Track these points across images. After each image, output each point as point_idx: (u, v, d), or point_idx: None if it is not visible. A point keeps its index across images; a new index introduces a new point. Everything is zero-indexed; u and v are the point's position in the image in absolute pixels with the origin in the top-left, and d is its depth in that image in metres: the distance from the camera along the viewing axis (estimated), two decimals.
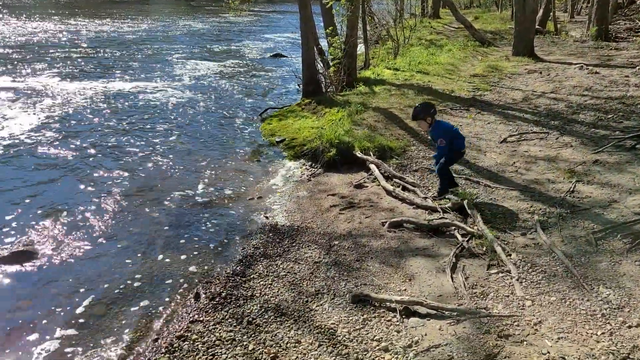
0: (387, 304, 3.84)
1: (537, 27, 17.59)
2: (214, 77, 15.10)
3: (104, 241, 5.25)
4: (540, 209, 5.27)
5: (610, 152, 6.69)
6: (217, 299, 4.12)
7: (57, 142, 8.34)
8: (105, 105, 11.04)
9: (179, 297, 4.27)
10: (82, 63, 16.12)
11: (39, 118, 9.68)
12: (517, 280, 4.03)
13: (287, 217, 5.72)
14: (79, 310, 4.13)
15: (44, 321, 4.00)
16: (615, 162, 6.34)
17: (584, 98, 9.58)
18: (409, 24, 20.03)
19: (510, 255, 4.42)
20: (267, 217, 5.74)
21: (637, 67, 11.58)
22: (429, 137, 5.76)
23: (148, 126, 9.57)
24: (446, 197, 5.63)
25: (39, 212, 5.84)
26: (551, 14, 20.43)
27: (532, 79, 11.72)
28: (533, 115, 8.79)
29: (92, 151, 7.99)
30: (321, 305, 3.94)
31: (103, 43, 20.93)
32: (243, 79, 15.06)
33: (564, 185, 5.79)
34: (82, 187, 6.58)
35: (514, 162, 6.68)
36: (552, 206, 5.30)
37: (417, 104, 5.63)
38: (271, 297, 4.10)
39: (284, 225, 5.48)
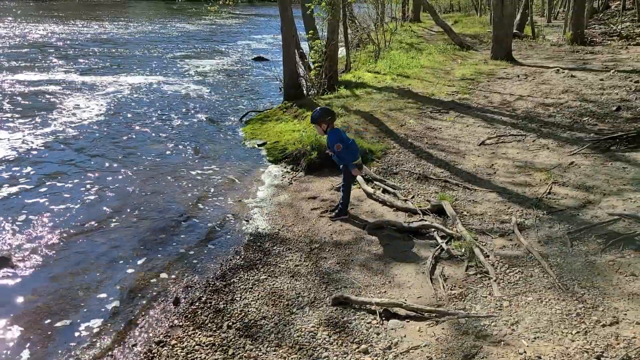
0: (367, 306, 3.86)
1: (514, 31, 17.89)
2: (194, 80, 15.01)
3: (81, 247, 5.16)
4: (518, 211, 5.35)
5: (586, 154, 6.83)
6: (197, 304, 4.09)
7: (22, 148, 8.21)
8: (86, 106, 10.90)
9: (158, 303, 4.22)
10: (52, 65, 15.88)
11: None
12: (495, 281, 4.09)
13: (268, 220, 5.71)
14: (55, 316, 4.06)
15: (18, 328, 3.92)
16: (590, 164, 6.47)
17: (560, 101, 9.76)
18: (389, 27, 20.17)
19: (488, 256, 4.48)
20: (247, 221, 5.72)
21: (612, 71, 11.84)
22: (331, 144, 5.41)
23: (125, 130, 9.47)
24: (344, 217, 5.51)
25: (11, 215, 5.73)
26: (528, 18, 20.78)
27: (510, 83, 11.91)
28: (511, 118, 8.93)
29: (73, 156, 7.88)
30: (301, 308, 3.94)
31: (87, 45, 20.65)
32: (224, 82, 15.00)
33: (541, 187, 5.89)
34: (57, 193, 6.48)
35: (493, 165, 6.77)
36: (529, 208, 5.39)
37: (317, 108, 5.50)
38: (251, 301, 4.09)
39: (265, 229, 5.47)
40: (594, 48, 16.49)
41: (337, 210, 5.56)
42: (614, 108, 8.80)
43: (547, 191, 5.75)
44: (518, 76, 12.51)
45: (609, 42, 17.49)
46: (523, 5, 20.41)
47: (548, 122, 8.49)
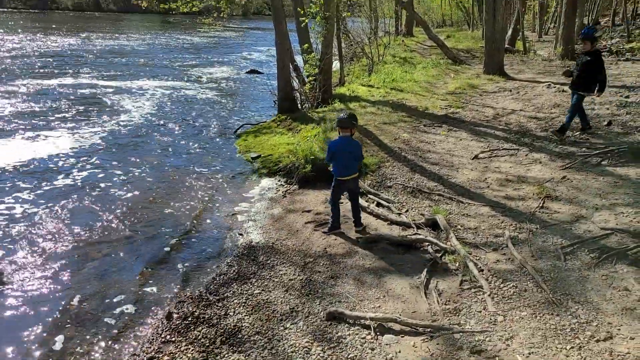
0: (362, 321, 3.84)
1: (506, 46, 18.11)
2: (189, 93, 15.03)
3: (74, 261, 5.12)
4: (511, 225, 5.37)
5: (578, 168, 6.88)
6: (190, 319, 4.05)
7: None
8: (88, 117, 10.88)
9: (150, 318, 4.19)
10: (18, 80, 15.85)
11: None
12: (489, 295, 4.08)
13: (262, 234, 5.68)
14: (47, 331, 4.01)
15: (9, 344, 3.86)
16: (582, 178, 6.51)
17: (552, 115, 9.85)
18: (383, 41, 20.36)
19: (482, 270, 4.48)
20: (241, 235, 5.70)
21: None
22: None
23: (121, 142, 9.45)
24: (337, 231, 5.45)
25: (3, 229, 5.68)
26: (520, 33, 21.05)
27: (502, 97, 12.01)
28: (503, 132, 8.99)
29: (66, 168, 7.85)
30: (295, 323, 3.91)
31: (90, 55, 20.67)
32: (219, 95, 15.03)
33: (534, 201, 5.92)
34: (51, 204, 6.43)
35: (486, 178, 6.80)
36: (523, 222, 5.41)
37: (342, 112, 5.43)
38: (245, 315, 4.05)
39: (259, 243, 5.44)
40: None
41: (329, 225, 5.54)
42: (605, 123, 8.89)
43: (540, 205, 5.77)
44: (510, 90, 12.63)
45: None
46: (514, 21, 20.70)
47: (540, 136, 8.55)
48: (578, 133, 8.43)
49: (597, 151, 7.32)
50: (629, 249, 4.54)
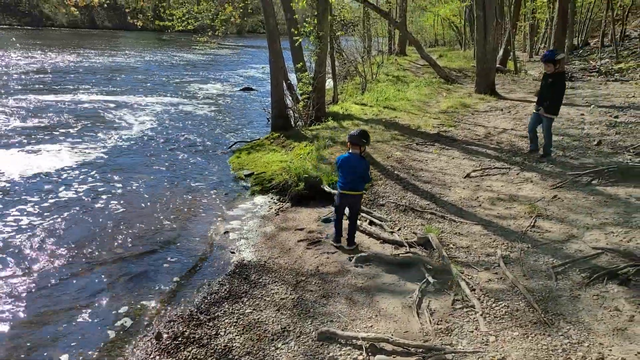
0: (354, 341, 3.82)
1: (498, 65, 18.35)
2: (184, 109, 15.08)
3: (61, 277, 5.07)
4: (503, 244, 5.39)
5: (569, 188, 6.94)
6: (180, 339, 4.01)
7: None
8: (85, 132, 10.86)
9: (139, 338, 4.13)
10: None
11: None
12: (481, 315, 4.08)
13: (254, 252, 5.66)
14: (33, 349, 3.95)
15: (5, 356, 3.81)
16: (573, 197, 6.56)
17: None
18: (376, 60, 20.59)
19: (474, 289, 4.48)
20: (233, 253, 5.67)
21: (592, 106, 12.15)
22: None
23: (117, 159, 9.44)
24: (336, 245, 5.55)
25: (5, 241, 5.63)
26: (511, 53, 21.36)
27: (494, 116, 12.13)
28: (495, 150, 9.07)
29: (60, 184, 7.81)
30: (287, 343, 3.88)
31: (92, 72, 20.72)
32: (212, 112, 15.09)
33: (525, 220, 5.95)
34: (46, 220, 6.39)
35: (478, 197, 6.84)
36: (514, 241, 5.43)
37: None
38: (236, 335, 4.02)
39: (251, 261, 5.42)
40: (575, 83, 16.92)
41: (334, 236, 5.64)
42: (595, 142, 8.99)
43: (532, 224, 5.80)
44: (502, 110, 12.77)
45: (589, 78, 17.99)
46: (505, 41, 21.01)
47: (531, 156, 8.63)
48: (532, 154, 8.55)
49: (587, 171, 7.39)
50: (619, 268, 4.56)
